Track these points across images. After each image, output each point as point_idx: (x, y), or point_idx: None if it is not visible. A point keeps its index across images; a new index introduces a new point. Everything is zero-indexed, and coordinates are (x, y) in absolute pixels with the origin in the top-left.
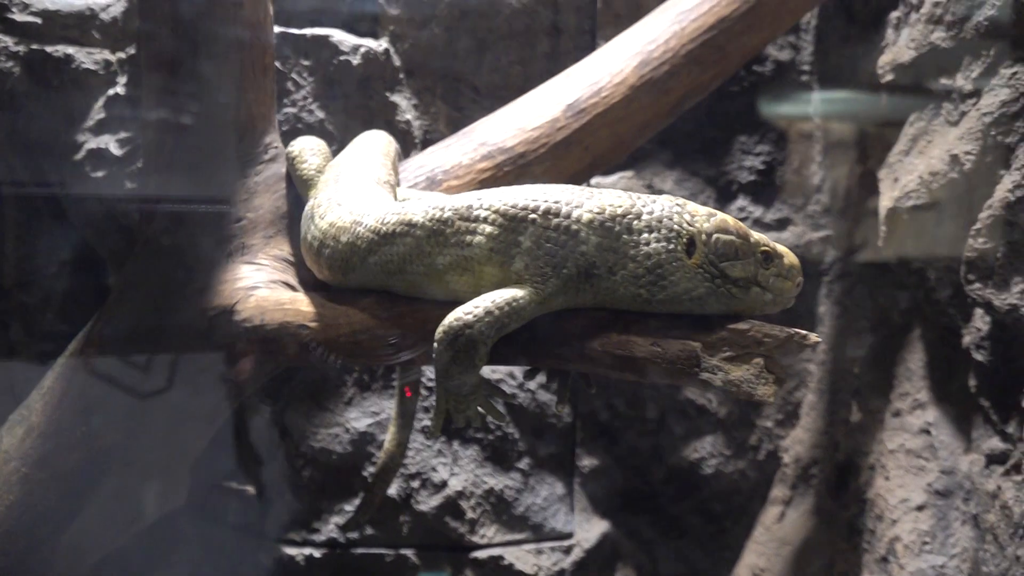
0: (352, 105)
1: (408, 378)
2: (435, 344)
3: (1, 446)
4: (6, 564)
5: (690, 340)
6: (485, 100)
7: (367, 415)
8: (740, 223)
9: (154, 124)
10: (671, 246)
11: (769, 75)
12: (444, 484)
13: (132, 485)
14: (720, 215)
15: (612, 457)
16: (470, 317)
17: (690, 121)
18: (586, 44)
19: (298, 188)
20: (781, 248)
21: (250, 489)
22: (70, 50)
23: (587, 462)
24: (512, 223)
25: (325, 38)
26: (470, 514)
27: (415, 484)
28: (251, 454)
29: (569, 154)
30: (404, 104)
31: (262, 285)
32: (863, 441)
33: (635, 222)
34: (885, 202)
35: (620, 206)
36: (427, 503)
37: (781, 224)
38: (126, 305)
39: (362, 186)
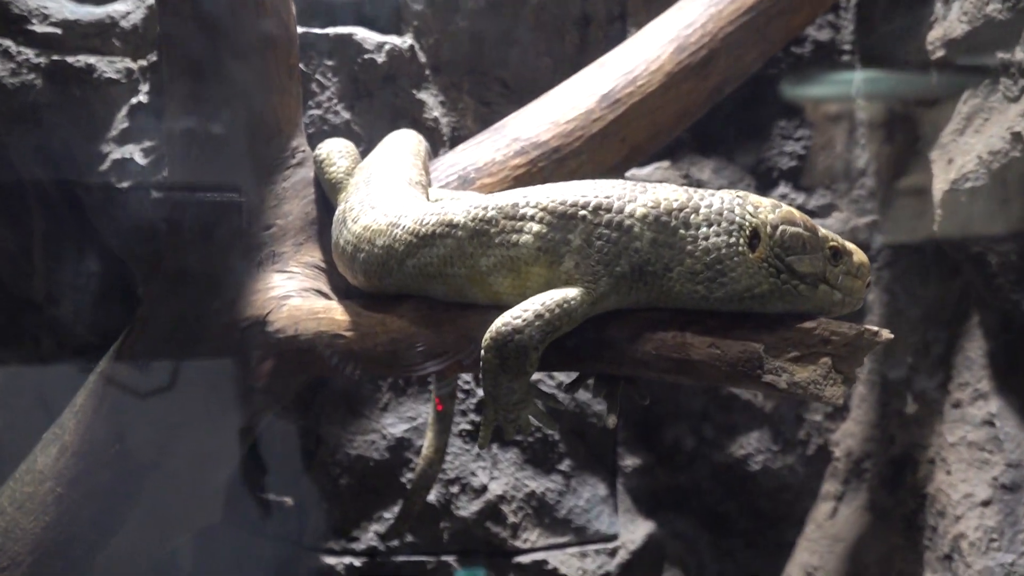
0: (378, 104)
1: (444, 389)
2: (483, 351)
3: (36, 466)
4: None
5: (752, 340)
6: (514, 94)
7: (403, 420)
8: (807, 216)
9: (178, 132)
10: (732, 239)
11: (808, 56)
12: (484, 488)
13: (167, 501)
14: (786, 206)
15: (655, 455)
16: (519, 322)
17: (727, 107)
18: (617, 33)
19: (327, 192)
20: (850, 245)
21: (288, 500)
22: (91, 60)
23: (629, 461)
24: (561, 220)
25: (348, 36)
26: (512, 518)
27: (455, 489)
28: (288, 463)
29: (606, 146)
30: (431, 101)
31: (295, 294)
32: (920, 434)
33: (693, 216)
34: (939, 184)
35: (676, 199)
36: (467, 508)
37: (825, 211)
38: (156, 320)
39: (395, 188)
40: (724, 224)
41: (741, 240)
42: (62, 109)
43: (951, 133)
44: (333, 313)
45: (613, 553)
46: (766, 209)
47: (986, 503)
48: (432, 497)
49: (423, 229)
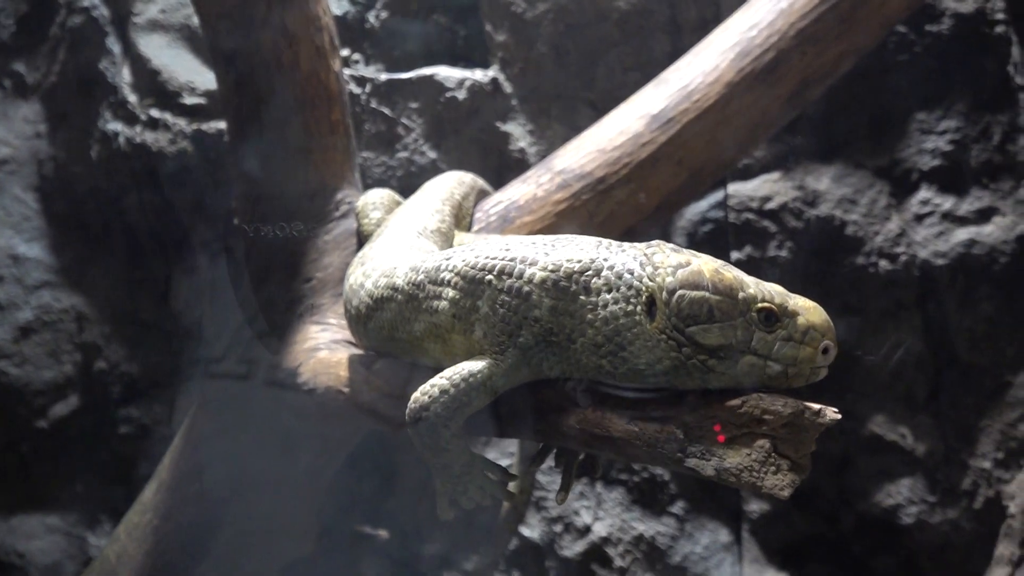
0: (464, 141)
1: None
2: (407, 428)
3: (143, 497)
4: None
5: (670, 418)
6: (603, 114)
7: (505, 455)
8: (731, 273)
9: (238, 193)
10: (629, 307)
11: (948, 33)
12: (588, 529)
13: (251, 533)
14: (698, 264)
15: (789, 501)
16: (426, 398)
17: (851, 102)
18: None
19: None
20: (798, 302)
21: (383, 533)
22: (221, 125)
23: (755, 506)
24: (471, 286)
25: (429, 78)
26: (619, 562)
27: (557, 528)
28: (389, 497)
29: (658, 172)
30: (518, 131)
31: (323, 346)
32: None
33: (594, 280)
34: None
35: (579, 260)
36: (571, 548)
37: (983, 216)
38: (225, 365)
39: (395, 241)
40: (623, 289)
41: (639, 308)
42: (206, 170)
43: None
44: (340, 368)
45: None
46: (666, 270)
47: None
48: (535, 534)
49: (376, 292)
